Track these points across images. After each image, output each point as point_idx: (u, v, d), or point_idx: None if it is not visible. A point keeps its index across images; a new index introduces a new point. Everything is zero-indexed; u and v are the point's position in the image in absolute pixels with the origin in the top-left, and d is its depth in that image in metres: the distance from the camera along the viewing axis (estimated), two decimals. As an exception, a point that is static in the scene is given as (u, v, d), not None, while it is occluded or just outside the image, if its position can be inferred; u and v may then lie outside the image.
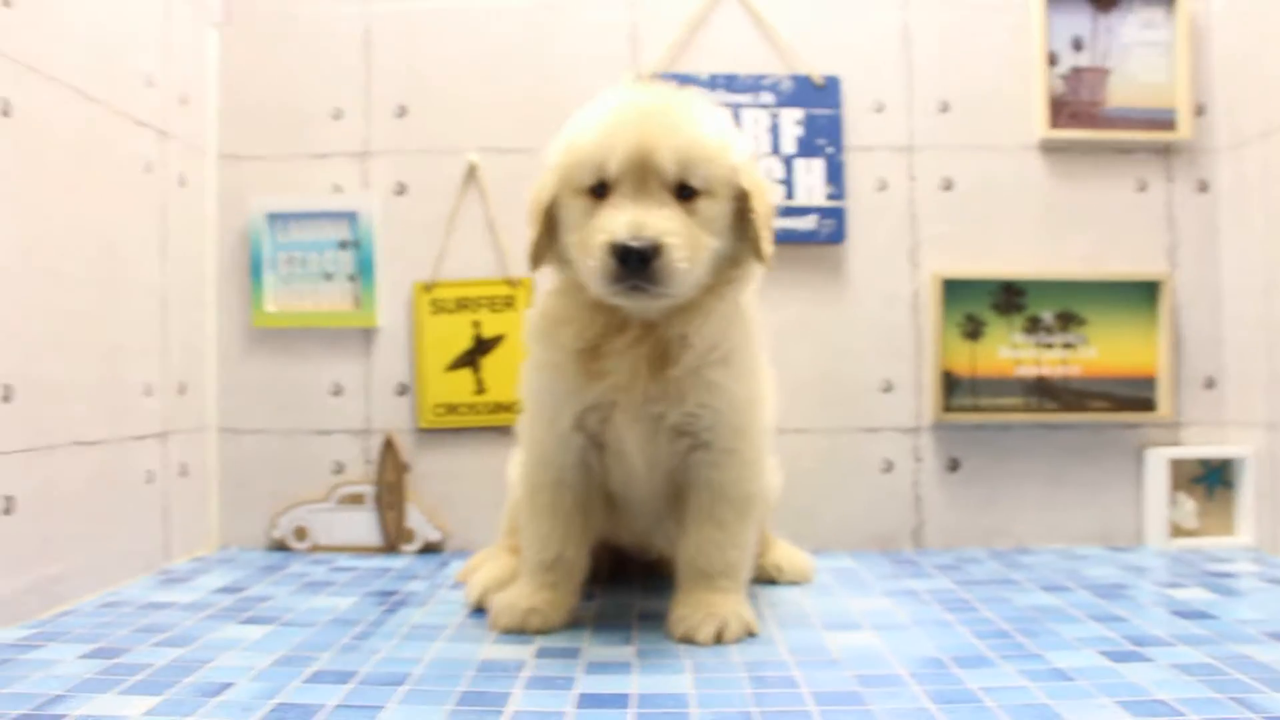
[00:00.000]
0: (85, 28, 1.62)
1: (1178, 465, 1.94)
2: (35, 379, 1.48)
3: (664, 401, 1.33)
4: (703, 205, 1.28)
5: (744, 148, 1.36)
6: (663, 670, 1.20)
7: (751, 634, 1.33)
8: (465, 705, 1.09)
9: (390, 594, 1.62)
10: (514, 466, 1.57)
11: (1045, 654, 1.25)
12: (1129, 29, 1.99)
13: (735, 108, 1.95)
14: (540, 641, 1.33)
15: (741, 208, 1.33)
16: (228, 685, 1.16)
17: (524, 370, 1.45)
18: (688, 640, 1.29)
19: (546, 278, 1.45)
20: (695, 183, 1.27)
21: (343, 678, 1.19)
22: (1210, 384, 1.98)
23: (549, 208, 1.35)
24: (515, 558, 1.54)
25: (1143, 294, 1.96)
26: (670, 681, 1.16)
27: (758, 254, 1.34)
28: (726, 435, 1.36)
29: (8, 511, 1.41)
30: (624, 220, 1.22)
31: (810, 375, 1.94)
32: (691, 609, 1.32)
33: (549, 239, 1.37)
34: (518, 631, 1.36)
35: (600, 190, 1.27)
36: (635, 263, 1.20)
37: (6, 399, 1.42)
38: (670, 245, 1.21)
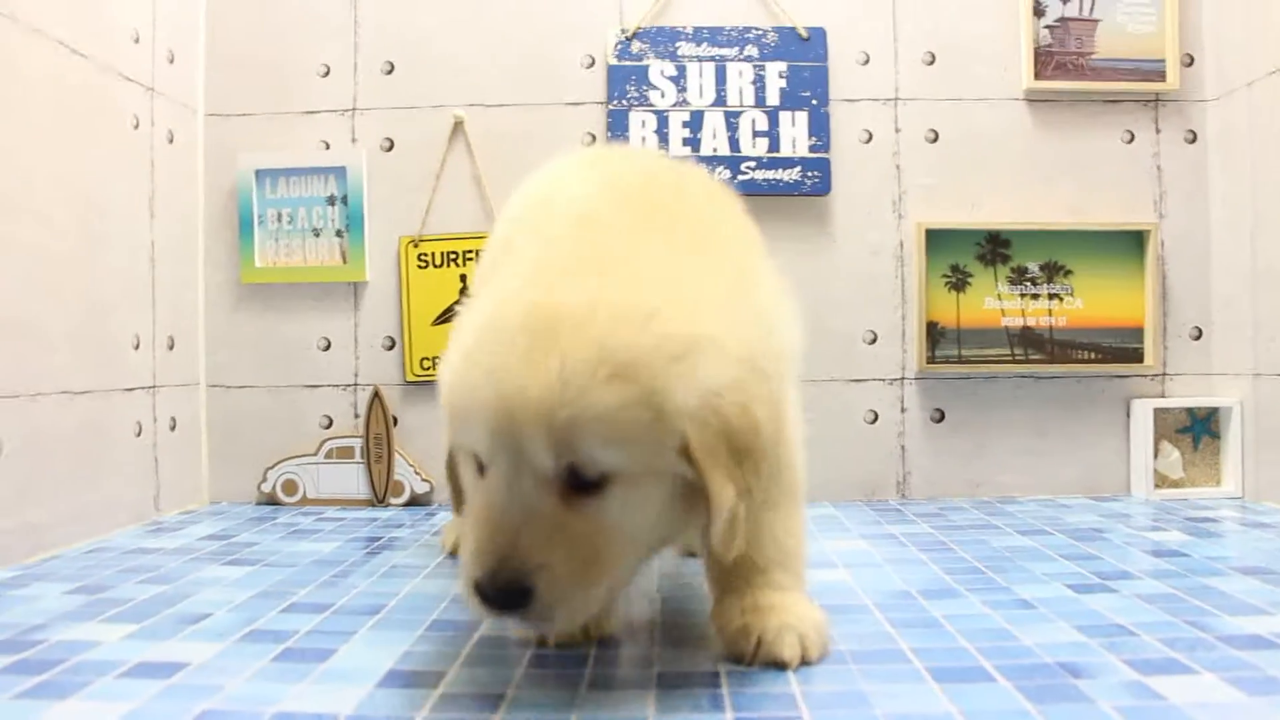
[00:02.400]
0: (69, -20, 1.63)
1: (1163, 415, 1.94)
2: (22, 324, 1.50)
3: None
4: (615, 497, 0.85)
5: (710, 379, 0.86)
6: (631, 602, 1.22)
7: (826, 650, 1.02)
8: (434, 632, 1.11)
9: (374, 540, 1.64)
10: None
11: (1012, 587, 1.27)
12: (1116, -21, 1.99)
13: (720, 61, 1.95)
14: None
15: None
16: (206, 615, 1.18)
17: None
18: (768, 659, 0.97)
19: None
20: (595, 470, 0.84)
21: (319, 609, 1.21)
22: (1197, 334, 1.98)
23: (452, 459, 1.00)
24: None
25: (1130, 244, 1.96)
26: (635, 611, 1.18)
27: (716, 548, 0.90)
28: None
29: (-6, 455, 1.44)
30: (483, 546, 0.85)
31: (795, 327, 1.94)
32: (758, 616, 0.99)
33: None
34: (571, 644, 1.05)
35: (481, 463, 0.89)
36: (500, 606, 0.84)
37: (-8, 345, 1.44)
38: (543, 585, 0.83)
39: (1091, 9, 1.98)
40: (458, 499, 1.01)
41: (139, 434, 1.80)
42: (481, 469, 0.88)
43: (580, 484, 0.85)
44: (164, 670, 0.98)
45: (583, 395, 0.82)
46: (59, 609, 1.22)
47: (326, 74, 2.01)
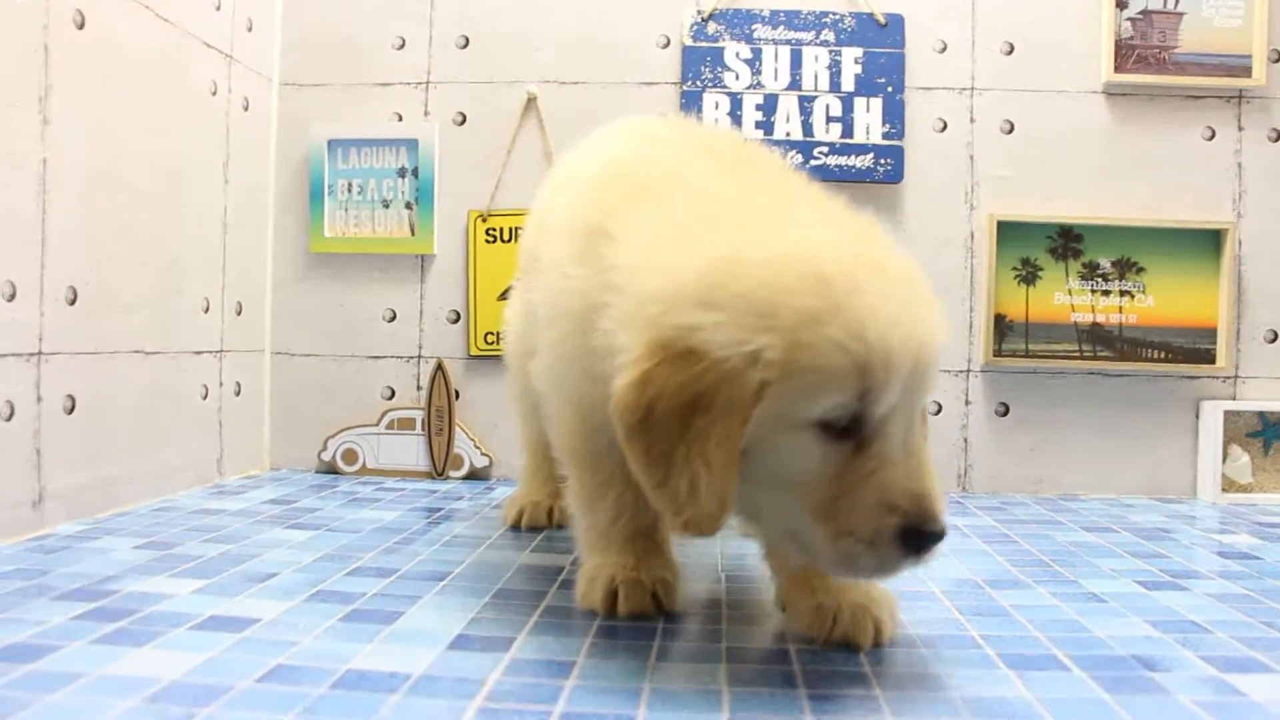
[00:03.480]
0: (155, -54, 1.65)
1: (1234, 418, 1.91)
2: (99, 286, 1.52)
3: None
4: None
5: None
6: (696, 579, 1.22)
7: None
8: (499, 600, 1.12)
9: (435, 510, 1.65)
10: (518, 394, 1.46)
11: (1080, 580, 1.25)
12: (1203, -28, 1.95)
13: (796, 45, 1.94)
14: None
15: None
16: (273, 575, 1.20)
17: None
18: (844, 640, 0.96)
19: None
20: None
21: (384, 573, 1.22)
22: (1272, 338, 1.93)
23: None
24: (539, 481, 1.56)
25: (1205, 243, 1.92)
26: (703, 589, 1.18)
27: None
28: None
29: (69, 411, 1.46)
30: (913, 488, 0.84)
31: (860, 316, 1.92)
32: (831, 596, 0.98)
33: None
34: (644, 613, 1.04)
35: (839, 425, 0.85)
36: (917, 551, 0.85)
37: (71, 302, 1.46)
38: None
39: (1177, 2, 1.94)
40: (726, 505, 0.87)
41: (205, 397, 1.83)
42: (836, 429, 0.84)
43: None
44: (236, 624, 1.00)
45: (940, 332, 0.89)
46: (130, 562, 1.24)
47: (401, 46, 2.02)
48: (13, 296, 1.35)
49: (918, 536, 0.83)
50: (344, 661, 0.89)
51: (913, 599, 1.15)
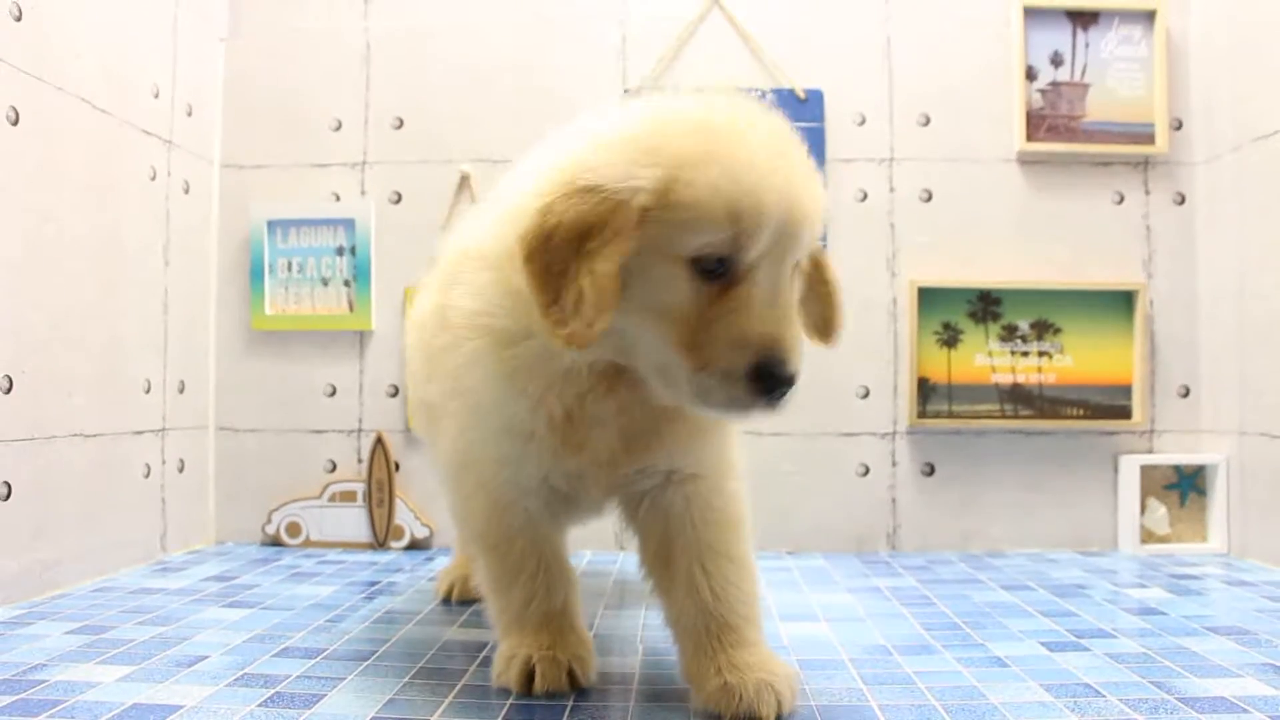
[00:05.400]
0: (94, 41, 1.70)
1: (1151, 472, 1.97)
2: (36, 371, 1.55)
3: (644, 460, 1.08)
4: (795, 280, 1.00)
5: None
6: (614, 652, 1.26)
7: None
8: (420, 680, 1.15)
9: (372, 584, 1.68)
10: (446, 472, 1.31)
11: (988, 644, 1.30)
12: (1108, 44, 2.04)
13: (720, 120, 2.01)
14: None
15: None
16: (202, 658, 1.22)
17: (451, 397, 1.14)
18: (749, 717, 1.00)
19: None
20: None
21: (311, 654, 1.25)
22: (1185, 392, 2.01)
23: (618, 272, 0.92)
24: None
25: (1119, 303, 1.99)
26: (617, 663, 1.22)
27: (830, 332, 1.10)
28: (718, 462, 1.12)
29: (5, 498, 1.48)
30: (767, 330, 0.91)
31: (790, 380, 1.98)
32: (737, 674, 1.02)
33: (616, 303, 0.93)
34: (560, 690, 1.08)
35: (712, 264, 0.92)
36: (778, 388, 0.91)
37: (7, 390, 1.49)
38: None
39: (1083, 74, 2.03)
40: (603, 323, 0.93)
41: (148, 475, 1.85)
42: (709, 271, 0.92)
43: None
44: (156, 713, 1.02)
45: (819, 189, 0.96)
46: (60, 648, 1.26)
47: (338, 128, 2.08)
48: (-53, 389, 1.38)
49: (767, 377, 0.90)
50: (257, 750, 0.92)
51: (821, 667, 1.19)
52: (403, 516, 2.01)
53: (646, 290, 0.94)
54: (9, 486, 1.49)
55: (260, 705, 1.05)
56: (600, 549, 1.98)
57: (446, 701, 1.07)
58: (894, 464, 2.00)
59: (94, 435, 1.70)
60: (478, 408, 1.09)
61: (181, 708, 1.04)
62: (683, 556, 1.09)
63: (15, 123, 1.51)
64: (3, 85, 1.48)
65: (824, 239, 1.95)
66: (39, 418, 1.56)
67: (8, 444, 1.49)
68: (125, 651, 1.25)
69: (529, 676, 1.09)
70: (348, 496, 2.02)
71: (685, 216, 0.90)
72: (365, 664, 1.21)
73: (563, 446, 1.05)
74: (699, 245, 0.91)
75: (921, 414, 1.98)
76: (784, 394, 0.91)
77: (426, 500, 2.02)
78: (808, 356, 1.88)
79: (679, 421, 1.06)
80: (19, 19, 1.51)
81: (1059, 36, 2.03)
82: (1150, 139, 2.01)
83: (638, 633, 1.37)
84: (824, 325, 1.08)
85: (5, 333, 1.49)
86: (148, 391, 1.86)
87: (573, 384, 1.02)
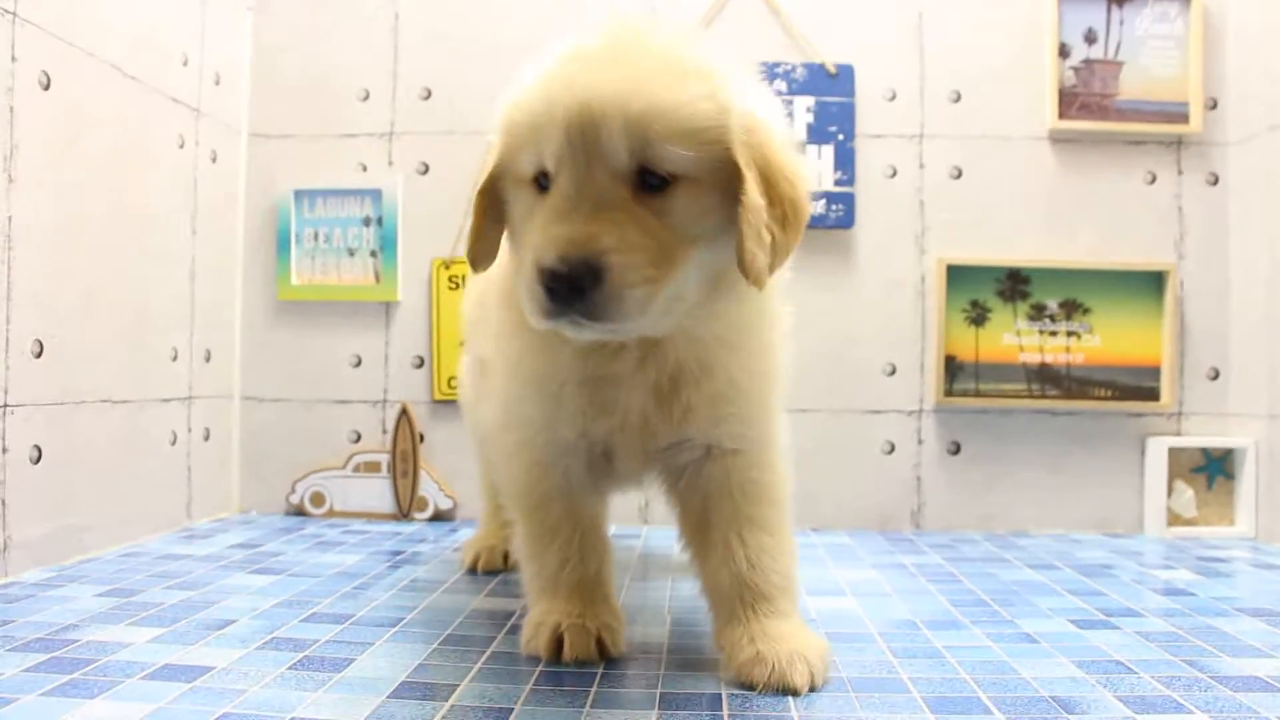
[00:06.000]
0: (125, 7, 1.69)
1: (1178, 454, 1.96)
2: (65, 338, 1.56)
3: (680, 431, 1.08)
4: (680, 198, 0.94)
5: (757, 107, 0.98)
6: (642, 622, 1.26)
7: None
8: (448, 646, 1.15)
9: (396, 554, 1.68)
10: (479, 430, 1.48)
11: (1016, 621, 1.29)
12: (1143, 22, 2.01)
13: (749, 95, 1.99)
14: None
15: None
16: (230, 622, 1.23)
17: (496, 364, 1.19)
18: (781, 686, 1.00)
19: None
20: (666, 167, 0.93)
21: (339, 619, 1.25)
22: (1214, 375, 1.99)
23: (491, 191, 1.04)
24: (496, 525, 1.60)
25: (1148, 284, 1.98)
26: (646, 633, 1.22)
27: (742, 267, 0.95)
28: (760, 436, 1.11)
29: (35, 461, 1.49)
30: (555, 234, 0.90)
31: (816, 357, 1.97)
32: (769, 644, 1.03)
33: (496, 232, 1.06)
34: (588, 659, 1.08)
35: (542, 180, 0.96)
36: (567, 293, 0.89)
37: (38, 355, 1.50)
38: (618, 267, 0.89)
39: (1116, 51, 2.00)
40: (482, 248, 1.07)
41: (173, 443, 1.86)
42: (543, 186, 0.96)
43: (648, 186, 0.93)
44: (187, 673, 1.03)
45: (657, 90, 0.91)
46: (91, 610, 1.27)
47: (366, 98, 2.07)
48: (-22, 351, 1.39)
49: (547, 276, 0.89)
50: (288, 711, 0.93)
51: (850, 641, 1.19)
52: (426, 488, 2.01)
53: (512, 214, 1.03)
54: (39, 450, 1.50)
55: (290, 668, 1.05)
56: (624, 524, 1.98)
57: (476, 668, 1.07)
58: (920, 442, 1.99)
59: (121, 402, 1.70)
60: (515, 372, 1.11)
61: (213, 669, 1.04)
62: (720, 526, 1.09)
63: (46, 88, 1.51)
64: (35, 48, 1.48)
65: (852, 216, 1.96)
66: (68, 383, 1.57)
67: (38, 407, 1.50)
68: (155, 614, 1.26)
69: (558, 644, 1.09)
70: (372, 467, 2.03)
71: (510, 139, 0.99)
72: (393, 630, 1.21)
73: (591, 407, 1.06)
74: (526, 163, 0.97)
75: (948, 392, 1.97)
76: (569, 297, 0.89)
77: (450, 472, 2.03)
78: (834, 335, 1.89)
79: (709, 384, 1.06)
80: (51, -17, 1.51)
81: (1093, 13, 2.01)
82: (1184, 118, 1.99)
83: (665, 604, 1.37)
84: (739, 259, 0.96)
85: (36, 298, 1.49)
86: (174, 360, 1.86)
87: (597, 350, 1.04)
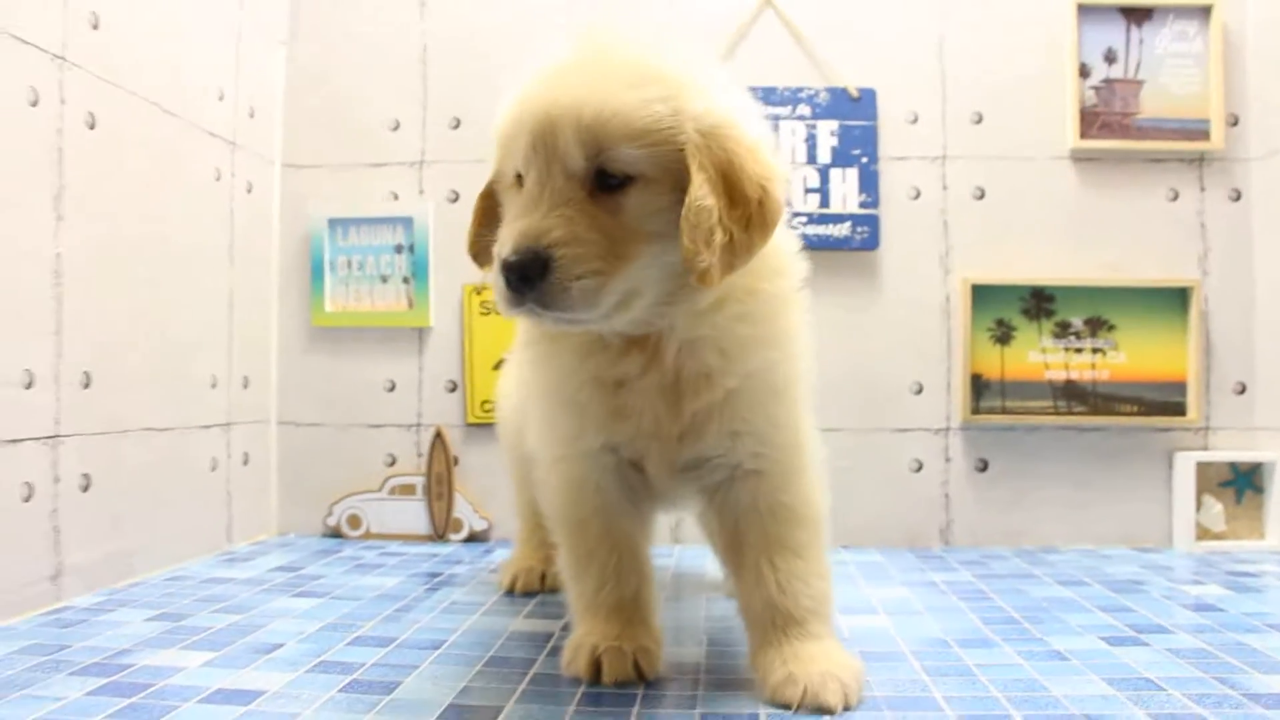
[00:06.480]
0: (164, 46, 1.74)
1: (1206, 469, 1.97)
2: (110, 368, 1.60)
3: (699, 438, 1.11)
4: (635, 197, 0.99)
5: (719, 109, 1.01)
6: (678, 642, 1.29)
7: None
8: (491, 668, 1.18)
9: (434, 575, 1.72)
10: (512, 463, 1.62)
11: (1047, 638, 1.31)
12: (1162, 41, 2.03)
13: (774, 119, 2.03)
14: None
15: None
16: (279, 645, 1.26)
17: (530, 389, 1.25)
18: (815, 705, 1.03)
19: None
20: (619, 167, 0.98)
21: (384, 642, 1.29)
22: (1240, 390, 2.00)
23: (489, 195, 1.14)
24: (532, 546, 1.64)
25: (1173, 300, 1.99)
26: (684, 653, 1.25)
27: (685, 264, 0.98)
28: (785, 457, 1.13)
29: (85, 489, 1.53)
30: (515, 229, 0.97)
31: (844, 377, 2.00)
32: (801, 665, 1.05)
33: (490, 233, 1.08)
34: (626, 680, 1.11)
35: (520, 183, 1.03)
36: (518, 281, 0.95)
37: (85, 386, 1.54)
38: (562, 259, 0.94)
39: (1136, 70, 2.03)
40: (478, 247, 1.14)
41: (214, 469, 1.90)
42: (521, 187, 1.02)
43: (606, 187, 0.99)
44: (241, 697, 1.06)
45: (610, 96, 0.97)
46: (143, 635, 1.31)
47: (396, 128, 2.11)
48: (30, 384, 1.43)
49: (503, 266, 0.96)
50: (343, 733, 0.96)
51: (883, 659, 1.21)
52: (461, 509, 2.05)
53: (505, 216, 1.06)
54: (88, 479, 1.54)
55: (340, 691, 1.09)
56: (656, 543, 2.00)
57: (520, 689, 1.10)
58: (947, 460, 2.02)
59: (164, 430, 1.75)
60: (543, 386, 1.18)
61: (265, 692, 1.08)
62: (752, 551, 1.12)
63: (92, 127, 1.56)
64: (82, 91, 1.53)
65: (876, 238, 1.98)
66: (113, 412, 1.61)
67: (87, 437, 1.54)
68: (205, 638, 1.29)
69: (596, 666, 1.12)
70: (407, 490, 2.06)
71: (499, 147, 1.07)
72: (436, 652, 1.24)
73: (608, 412, 1.10)
74: (509, 168, 1.05)
75: (975, 410, 1.99)
76: (520, 285, 0.95)
77: (484, 494, 2.06)
78: (861, 354, 1.92)
79: (708, 392, 1.08)
80: (96, 27, 1.56)
81: (1113, 34, 2.03)
82: (1205, 135, 2.01)
83: (699, 623, 1.39)
84: (681, 256, 0.98)
85: (83, 331, 1.54)
86: (214, 387, 1.91)
87: (603, 351, 1.09)
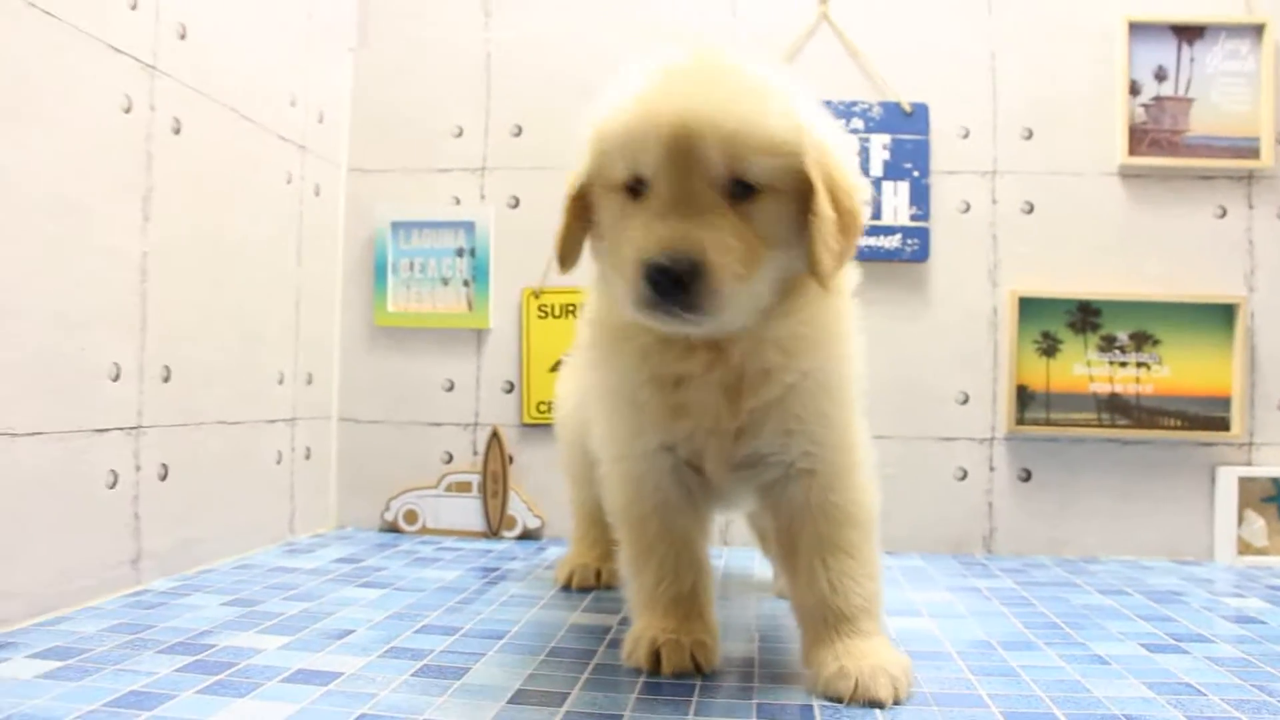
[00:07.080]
0: (241, 55, 1.82)
1: (1248, 484, 2.00)
2: (188, 363, 1.68)
3: (755, 434, 1.15)
4: (763, 206, 1.03)
5: (821, 125, 1.08)
6: (730, 638, 1.34)
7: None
8: (554, 657, 1.24)
9: (492, 570, 1.78)
10: (568, 462, 1.68)
11: (1089, 643, 1.35)
12: (1213, 59, 2.06)
13: (826, 132, 2.07)
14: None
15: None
16: (349, 631, 1.33)
17: (591, 390, 1.30)
18: (866, 698, 1.07)
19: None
20: (753, 178, 1.02)
21: (449, 631, 1.35)
22: (1285, 406, 2.03)
23: (580, 198, 1.13)
24: (587, 544, 1.70)
25: (1218, 316, 2.02)
26: (738, 649, 1.30)
27: (813, 270, 1.05)
28: (837, 457, 1.17)
29: (163, 478, 1.61)
30: (659, 233, 0.99)
31: (890, 385, 2.04)
32: (853, 660, 1.10)
33: (581, 234, 1.15)
34: (685, 672, 1.16)
35: (636, 187, 1.05)
36: (670, 287, 0.98)
37: (165, 380, 1.62)
38: (716, 265, 0.98)
39: (1187, 89, 2.05)
40: (569, 248, 1.16)
41: (279, 462, 1.98)
42: (635, 192, 1.05)
43: (737, 195, 1.03)
44: (320, 678, 1.13)
45: (746, 107, 1.02)
46: (220, 618, 1.38)
47: (460, 135, 2.18)
48: (117, 377, 1.51)
49: (650, 271, 0.98)
50: (419, 713, 1.02)
51: (929, 659, 1.26)
52: (515, 507, 2.11)
53: (601, 219, 1.11)
54: (166, 468, 1.62)
55: (413, 675, 1.15)
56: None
57: (583, 678, 1.16)
58: (991, 469, 2.05)
59: (235, 423, 1.82)
60: (604, 387, 1.23)
61: (342, 674, 1.14)
62: (805, 550, 1.16)
63: (177, 132, 1.63)
64: (169, 98, 1.61)
65: (927, 250, 2.03)
66: (190, 405, 1.69)
67: (167, 429, 1.62)
68: (278, 623, 1.36)
69: (655, 658, 1.17)
70: (463, 487, 2.13)
71: (603, 149, 1.07)
72: (501, 641, 1.30)
73: (668, 410, 1.15)
74: (619, 171, 1.05)
75: (1020, 421, 2.03)
76: (672, 290, 0.98)
77: (539, 493, 2.12)
78: (909, 364, 1.95)
79: (767, 389, 1.12)
80: (183, 37, 1.64)
81: (1164, 51, 2.06)
82: (1255, 153, 2.03)
83: (749, 621, 1.44)
84: (809, 262, 1.06)
85: (165, 327, 1.61)
86: (280, 383, 1.98)
87: (666, 350, 1.13)
